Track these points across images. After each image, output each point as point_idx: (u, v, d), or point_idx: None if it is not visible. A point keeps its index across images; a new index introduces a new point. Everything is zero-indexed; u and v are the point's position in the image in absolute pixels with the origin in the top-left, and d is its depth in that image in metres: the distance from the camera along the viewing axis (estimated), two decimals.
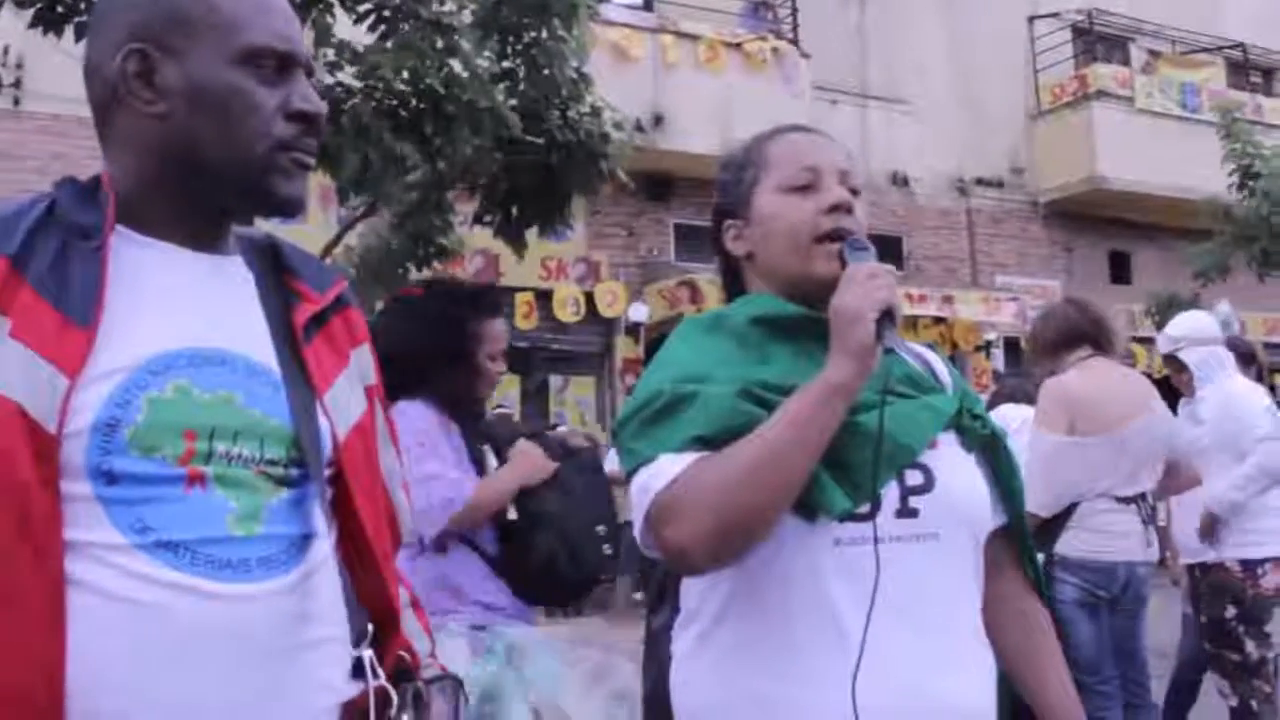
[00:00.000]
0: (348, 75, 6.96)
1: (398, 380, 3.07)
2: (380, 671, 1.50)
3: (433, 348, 3.36)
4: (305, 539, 1.46)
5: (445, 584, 3.30)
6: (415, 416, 3.30)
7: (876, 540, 1.65)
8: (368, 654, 1.50)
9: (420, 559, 3.30)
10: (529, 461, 3.43)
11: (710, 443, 1.65)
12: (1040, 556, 4.46)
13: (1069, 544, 4.59)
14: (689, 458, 1.64)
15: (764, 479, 1.60)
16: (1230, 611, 5.07)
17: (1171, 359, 5.29)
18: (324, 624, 1.45)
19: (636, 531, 1.71)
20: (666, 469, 1.64)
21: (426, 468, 3.23)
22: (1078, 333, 4.81)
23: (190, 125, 1.46)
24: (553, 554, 3.35)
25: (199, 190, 1.49)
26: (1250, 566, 5.04)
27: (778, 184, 1.86)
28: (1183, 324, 5.47)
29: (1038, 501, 4.55)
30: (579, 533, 3.43)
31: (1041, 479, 4.57)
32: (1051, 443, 4.60)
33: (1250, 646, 5.02)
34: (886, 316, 1.65)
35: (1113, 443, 4.61)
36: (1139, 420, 4.67)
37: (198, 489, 1.38)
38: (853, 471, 1.67)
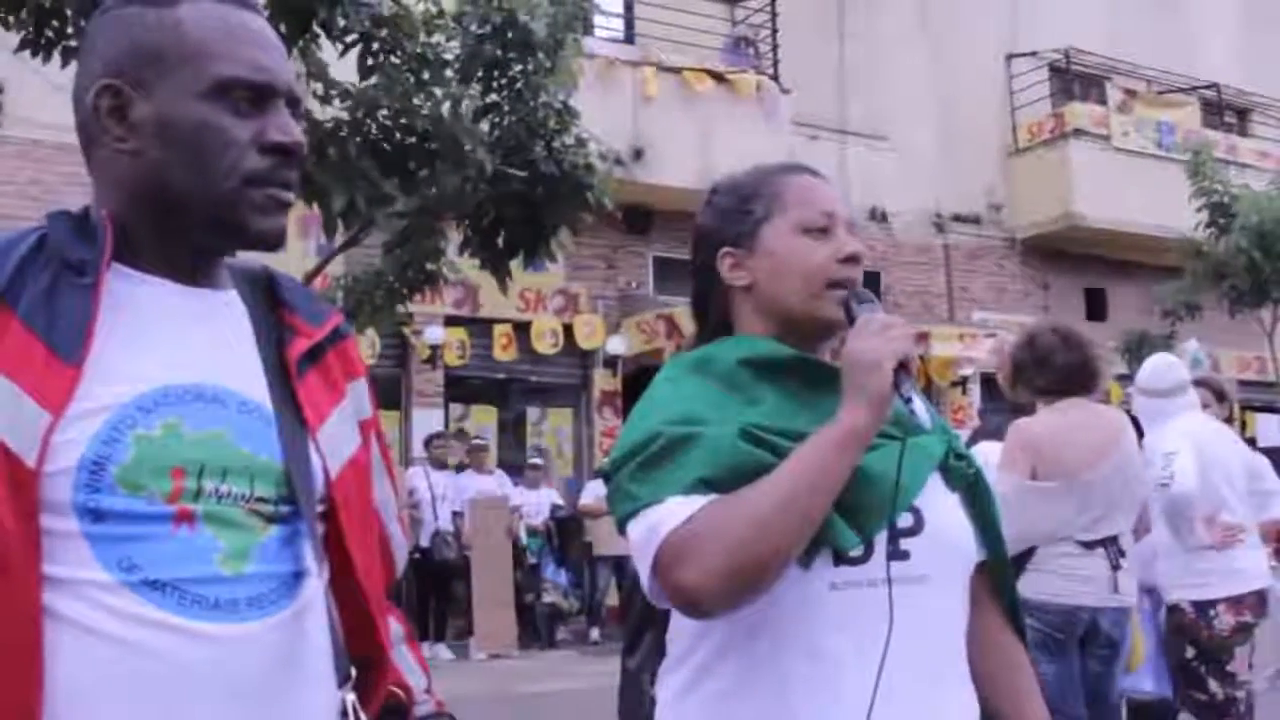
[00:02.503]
0: (335, 108, 6.97)
1: None
2: (362, 715, 1.48)
3: None
4: (296, 577, 1.43)
5: None
6: None
7: (890, 581, 1.66)
8: (350, 697, 1.48)
9: None
10: None
11: (714, 484, 1.64)
12: None
13: (1028, 585, 4.38)
14: (697, 500, 1.62)
15: (781, 523, 1.59)
16: (1190, 652, 5.08)
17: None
18: (313, 663, 1.43)
19: (643, 577, 1.68)
20: (676, 511, 1.62)
21: None
22: (1069, 385, 4.66)
23: (161, 162, 1.43)
24: None
25: (175, 226, 1.46)
26: (1202, 609, 5.05)
27: (796, 223, 1.85)
28: (1142, 372, 5.47)
29: None
30: None
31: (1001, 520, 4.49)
32: (1011, 485, 4.50)
33: (1214, 686, 5.01)
34: (903, 367, 1.66)
35: (1075, 487, 4.48)
36: (1107, 462, 4.53)
37: (185, 528, 1.36)
38: (856, 514, 1.67)
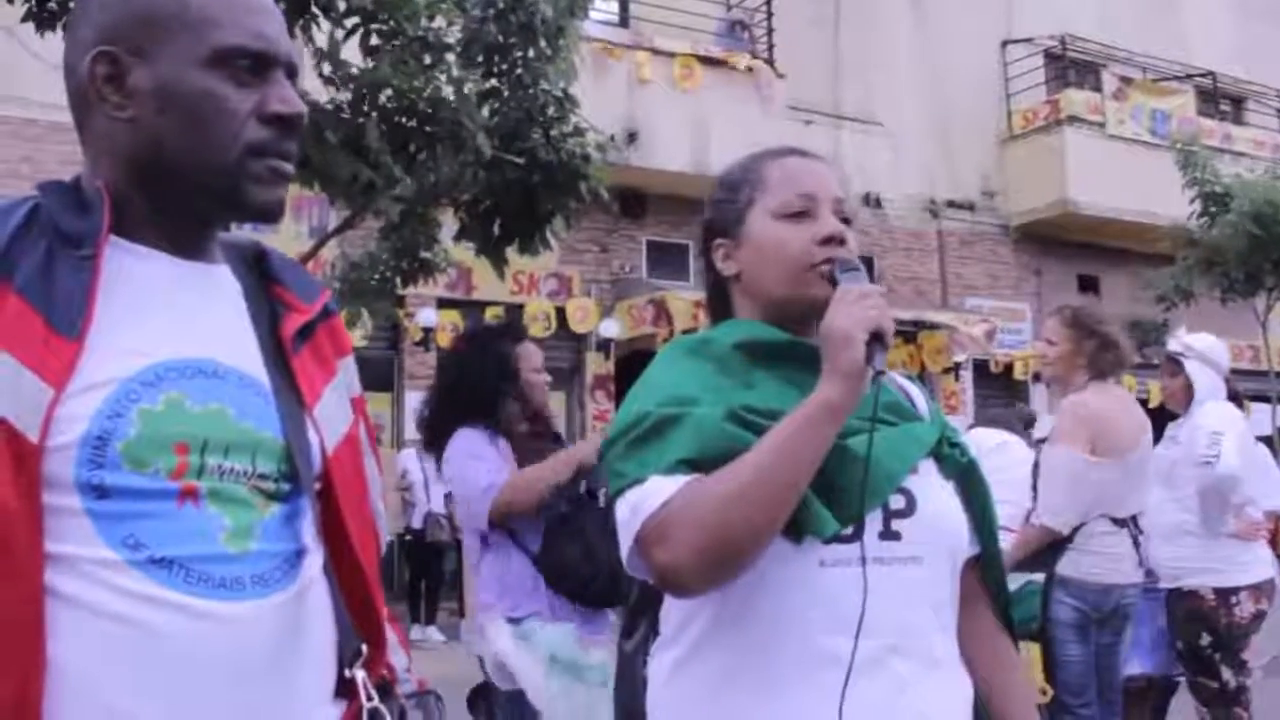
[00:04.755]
0: (335, 90, 6.94)
1: (463, 411, 3.82)
2: (374, 692, 1.47)
3: (493, 380, 3.92)
4: (298, 555, 1.43)
5: (492, 578, 3.75)
6: (466, 436, 3.84)
7: (865, 561, 1.65)
8: (360, 674, 1.47)
9: (486, 553, 3.77)
10: (579, 451, 3.77)
11: (698, 465, 1.64)
12: (1041, 576, 4.53)
13: (1070, 565, 4.59)
14: (679, 479, 1.63)
15: (757, 499, 1.59)
16: (1205, 639, 5.06)
17: (1175, 362, 5.30)
18: (315, 642, 1.42)
19: (624, 553, 1.70)
20: (657, 490, 1.63)
21: (469, 465, 3.74)
22: (1119, 367, 4.81)
23: (159, 130, 1.41)
24: (583, 554, 3.59)
25: (172, 197, 1.43)
26: (1224, 595, 5.03)
27: (773, 209, 1.85)
28: (1203, 340, 5.45)
29: (1060, 519, 4.59)
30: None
31: (1066, 496, 4.59)
32: (1078, 460, 4.61)
33: (1227, 674, 5.00)
34: (876, 339, 1.64)
35: (1121, 467, 4.63)
36: (1143, 444, 4.73)
37: (190, 504, 1.34)
38: (841, 495, 1.67)
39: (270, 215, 1.47)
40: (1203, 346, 5.35)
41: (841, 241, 1.82)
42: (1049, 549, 4.59)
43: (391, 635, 1.67)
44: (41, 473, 1.28)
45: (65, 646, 1.26)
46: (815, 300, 1.77)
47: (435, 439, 3.97)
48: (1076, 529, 4.62)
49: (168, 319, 1.41)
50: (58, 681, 1.26)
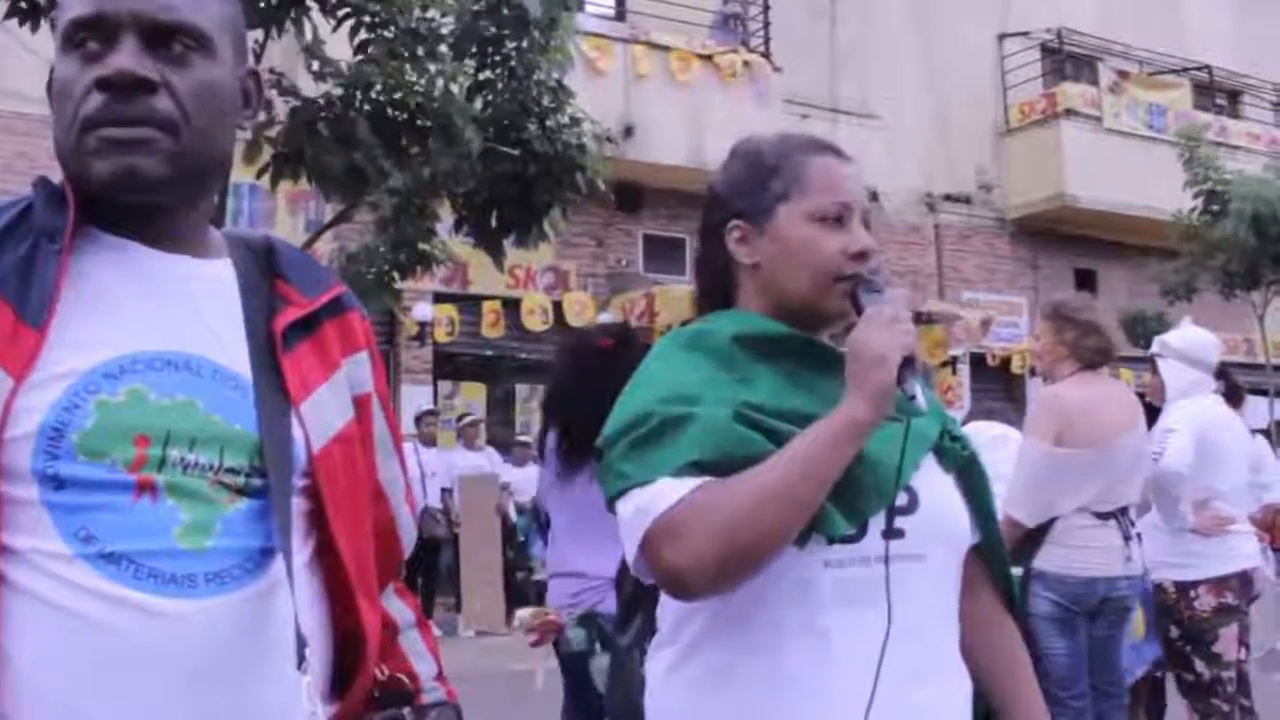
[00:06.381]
0: (328, 84, 6.93)
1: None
2: (318, 704, 1.39)
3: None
4: (264, 553, 1.38)
5: None
6: None
7: (888, 560, 1.65)
8: (306, 679, 1.38)
9: None
10: None
11: (707, 467, 1.63)
12: (1018, 570, 4.52)
13: (1046, 558, 4.60)
14: (690, 482, 1.61)
15: (775, 510, 1.58)
16: (1174, 632, 5.09)
17: (1152, 361, 5.34)
18: (280, 645, 1.36)
19: (629, 555, 1.68)
20: (667, 492, 1.61)
21: None
22: (1106, 356, 4.81)
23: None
24: None
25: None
26: (1184, 589, 5.03)
27: (810, 210, 1.81)
28: (1183, 337, 5.44)
29: (1023, 511, 4.61)
30: None
31: (1026, 488, 4.60)
32: (1040, 453, 4.62)
33: (1200, 666, 5.01)
34: (907, 362, 1.64)
35: (1097, 457, 4.61)
36: (1127, 436, 4.69)
37: (146, 498, 1.32)
38: (850, 496, 1.66)
39: (120, 187, 1.39)
40: (1180, 344, 5.35)
41: (869, 257, 1.80)
42: (1026, 542, 4.60)
43: (420, 641, 1.65)
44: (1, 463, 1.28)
45: (18, 639, 1.26)
46: (830, 311, 1.79)
47: None
48: (1052, 522, 4.63)
49: (140, 311, 1.39)
50: (10, 673, 1.25)
